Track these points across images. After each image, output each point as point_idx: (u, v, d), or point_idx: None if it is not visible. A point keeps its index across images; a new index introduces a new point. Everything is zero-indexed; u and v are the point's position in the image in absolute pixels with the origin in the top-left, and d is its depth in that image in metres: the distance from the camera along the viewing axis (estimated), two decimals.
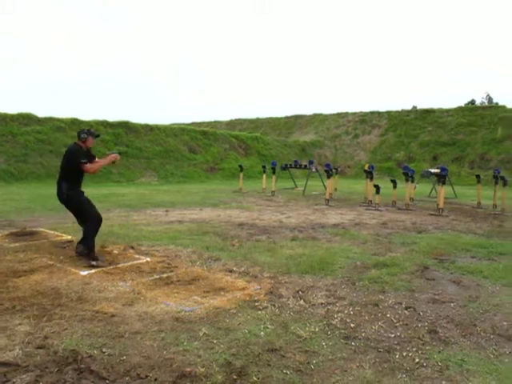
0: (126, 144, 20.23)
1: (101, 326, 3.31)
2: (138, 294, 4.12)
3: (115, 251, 5.77)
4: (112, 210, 9.82)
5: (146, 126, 22.24)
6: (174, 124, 29.64)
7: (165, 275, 4.75)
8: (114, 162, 5.86)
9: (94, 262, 5.05)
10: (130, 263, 5.20)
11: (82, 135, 5.51)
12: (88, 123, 19.99)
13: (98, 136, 5.88)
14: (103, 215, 8.82)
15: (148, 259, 5.40)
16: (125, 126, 20.95)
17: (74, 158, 5.35)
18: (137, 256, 5.57)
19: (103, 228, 7.37)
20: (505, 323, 3.68)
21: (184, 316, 3.59)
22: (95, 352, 2.89)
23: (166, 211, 9.97)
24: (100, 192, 13.63)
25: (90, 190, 14.97)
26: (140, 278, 4.64)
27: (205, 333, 3.26)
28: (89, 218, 5.44)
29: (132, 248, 5.99)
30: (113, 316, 3.53)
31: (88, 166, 5.40)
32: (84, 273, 4.75)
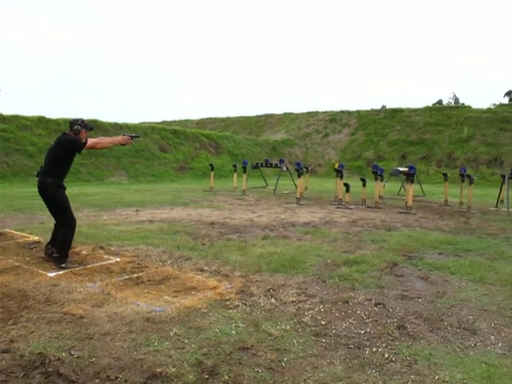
0: None
1: (69, 328, 3.25)
2: (108, 294, 4.06)
3: (84, 252, 5.67)
4: (81, 209, 9.65)
5: (116, 124, 21.94)
6: (144, 123, 29.32)
7: (135, 275, 4.70)
8: (123, 145, 5.42)
9: (63, 265, 4.90)
10: (99, 264, 5.12)
11: (76, 127, 5.00)
12: (56, 121, 19.59)
13: (92, 129, 5.36)
14: None
15: (118, 259, 5.33)
16: (93, 124, 20.58)
17: (72, 145, 4.95)
18: (106, 256, 5.48)
19: None
20: (470, 317, 3.78)
21: (155, 316, 3.55)
22: (63, 355, 2.83)
23: (137, 211, 9.85)
24: (68, 191, 13.31)
25: None
26: (110, 278, 4.57)
27: (176, 333, 3.23)
28: (67, 222, 5.10)
29: (101, 248, 5.89)
30: (82, 317, 3.47)
31: (92, 140, 4.99)
32: (52, 274, 4.65)
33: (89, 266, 5.01)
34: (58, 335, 3.12)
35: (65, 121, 19.96)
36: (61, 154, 5.01)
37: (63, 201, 5.12)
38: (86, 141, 4.99)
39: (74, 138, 5.02)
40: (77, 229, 7.25)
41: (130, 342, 3.07)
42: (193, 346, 3.04)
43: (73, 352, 2.88)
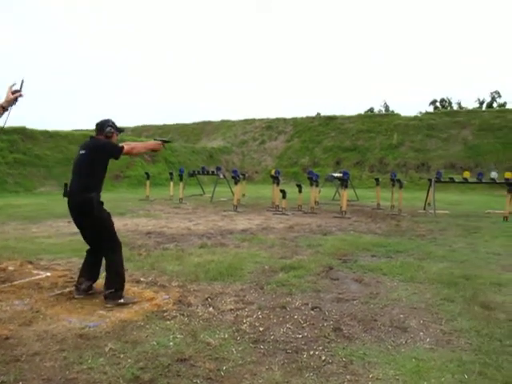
0: (22, 152, 18.89)
1: None
2: (37, 312, 3.86)
3: (11, 267, 5.37)
4: (8, 222, 9.15)
5: (45, 132, 21.00)
6: (76, 130, 28.34)
7: (67, 290, 4.51)
8: (155, 151, 4.68)
9: (122, 300, 4.13)
10: (27, 279, 4.87)
11: (108, 129, 4.23)
12: None
13: (122, 131, 4.55)
14: None
15: (48, 274, 5.10)
16: (21, 132, 19.58)
17: (109, 151, 4.19)
18: (35, 271, 5.22)
19: None
20: (401, 316, 3.94)
21: (88, 332, 3.42)
22: None
23: (69, 222, 9.41)
24: None
25: None
26: (39, 294, 4.36)
27: (111, 348, 3.13)
28: (113, 246, 4.29)
29: (30, 263, 5.61)
30: (7, 338, 3.27)
31: (130, 144, 4.31)
32: None
33: (16, 282, 4.75)
34: None
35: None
36: (97, 161, 4.20)
37: (110, 220, 4.31)
38: (122, 146, 4.24)
39: (110, 142, 4.27)
40: (3, 243, 6.87)
41: (62, 360, 2.94)
42: (129, 360, 2.95)
43: None
